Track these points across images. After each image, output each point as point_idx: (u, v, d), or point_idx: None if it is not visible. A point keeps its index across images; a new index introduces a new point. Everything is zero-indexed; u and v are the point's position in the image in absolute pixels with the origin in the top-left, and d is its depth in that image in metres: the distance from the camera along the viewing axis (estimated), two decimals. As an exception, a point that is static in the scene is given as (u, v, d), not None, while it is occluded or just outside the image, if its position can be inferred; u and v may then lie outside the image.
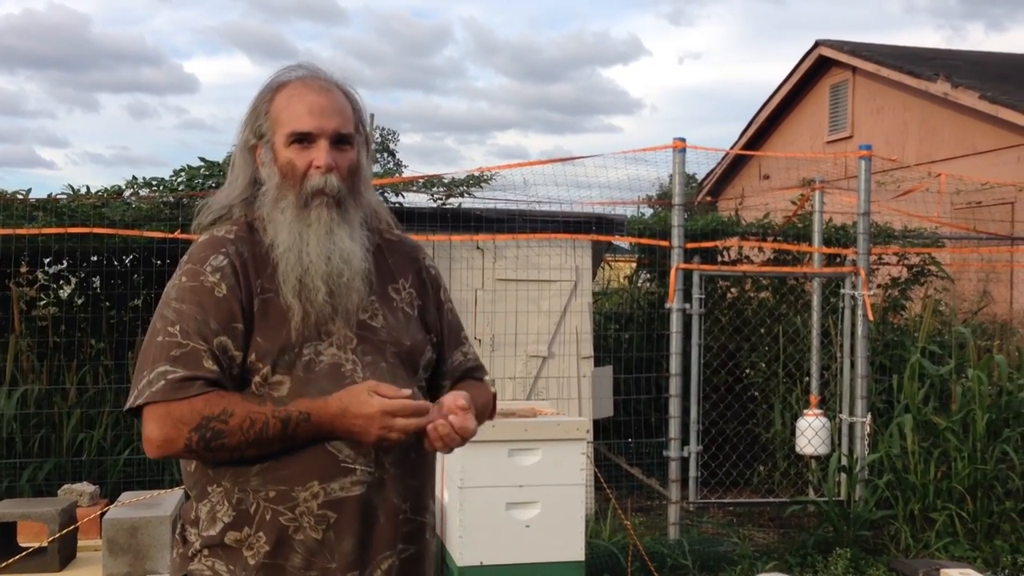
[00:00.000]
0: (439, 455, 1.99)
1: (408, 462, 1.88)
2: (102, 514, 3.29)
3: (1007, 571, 5.18)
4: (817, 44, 14.62)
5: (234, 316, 1.77)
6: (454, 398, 1.81)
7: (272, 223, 1.85)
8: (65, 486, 3.80)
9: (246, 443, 1.71)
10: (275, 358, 1.78)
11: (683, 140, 5.89)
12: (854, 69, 14.02)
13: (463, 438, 1.80)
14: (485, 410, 2.05)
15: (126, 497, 3.40)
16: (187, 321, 1.75)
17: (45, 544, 3.09)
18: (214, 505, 1.79)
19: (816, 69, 14.89)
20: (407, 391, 1.76)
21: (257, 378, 1.78)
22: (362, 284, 1.87)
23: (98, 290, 6.27)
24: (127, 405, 1.76)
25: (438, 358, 2.04)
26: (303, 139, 1.85)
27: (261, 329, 1.79)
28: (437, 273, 2.09)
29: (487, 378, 2.17)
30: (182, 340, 1.74)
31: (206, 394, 1.71)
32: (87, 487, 3.75)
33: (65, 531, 3.14)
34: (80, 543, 3.35)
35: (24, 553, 3.07)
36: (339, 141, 1.87)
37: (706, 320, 6.52)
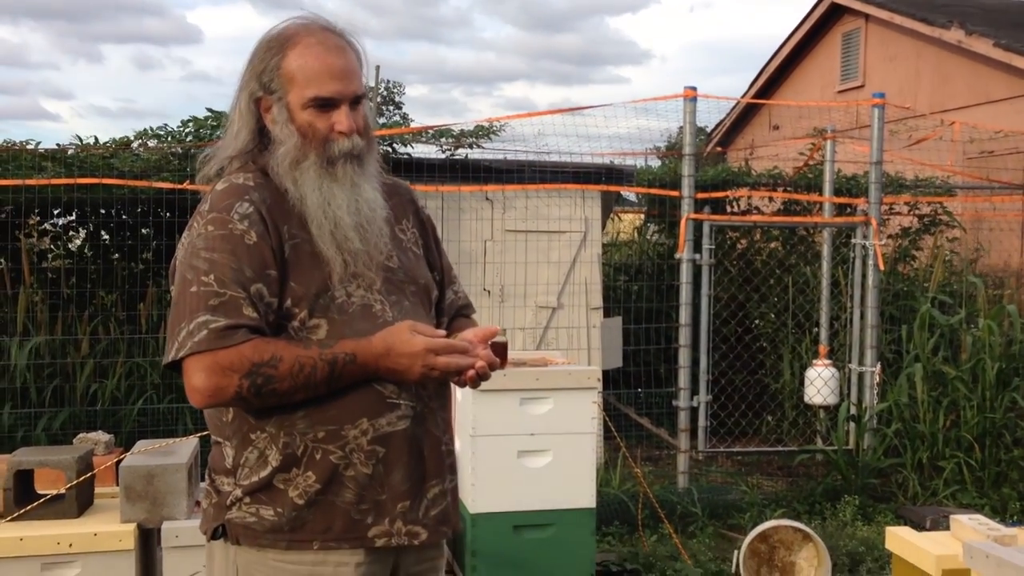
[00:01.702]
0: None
1: (441, 395, 1.95)
2: (118, 462, 3.32)
3: (1015, 518, 5.22)
4: (829, -9, 14.39)
5: (266, 263, 1.78)
6: (481, 334, 1.87)
7: (292, 182, 1.85)
8: (80, 435, 3.82)
9: (295, 387, 1.73)
10: (311, 302, 1.80)
11: (694, 89, 5.83)
12: (867, 16, 13.81)
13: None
14: None
15: (141, 445, 3.43)
16: (221, 270, 1.75)
17: (63, 491, 3.13)
18: (262, 451, 1.81)
19: (828, 17, 14.67)
20: (443, 331, 1.83)
21: (295, 323, 1.79)
22: (386, 227, 1.92)
23: (108, 242, 6.27)
24: (169, 358, 1.75)
25: (438, 295, 2.09)
26: (325, 104, 1.84)
27: (295, 274, 1.80)
28: (428, 214, 2.15)
29: (503, 328, 2.20)
30: (219, 289, 1.73)
31: (252, 340, 1.72)
32: (102, 436, 3.77)
33: (82, 479, 3.17)
34: (97, 490, 3.38)
35: (42, 500, 3.10)
36: (355, 101, 1.88)
37: (716, 271, 6.51)
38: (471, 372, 1.81)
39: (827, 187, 6.70)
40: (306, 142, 1.85)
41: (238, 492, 1.83)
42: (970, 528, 2.69)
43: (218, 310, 1.72)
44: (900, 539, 2.81)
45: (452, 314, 2.11)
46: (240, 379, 1.70)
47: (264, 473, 1.81)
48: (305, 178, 1.84)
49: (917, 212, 7.79)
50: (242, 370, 1.70)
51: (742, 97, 15.17)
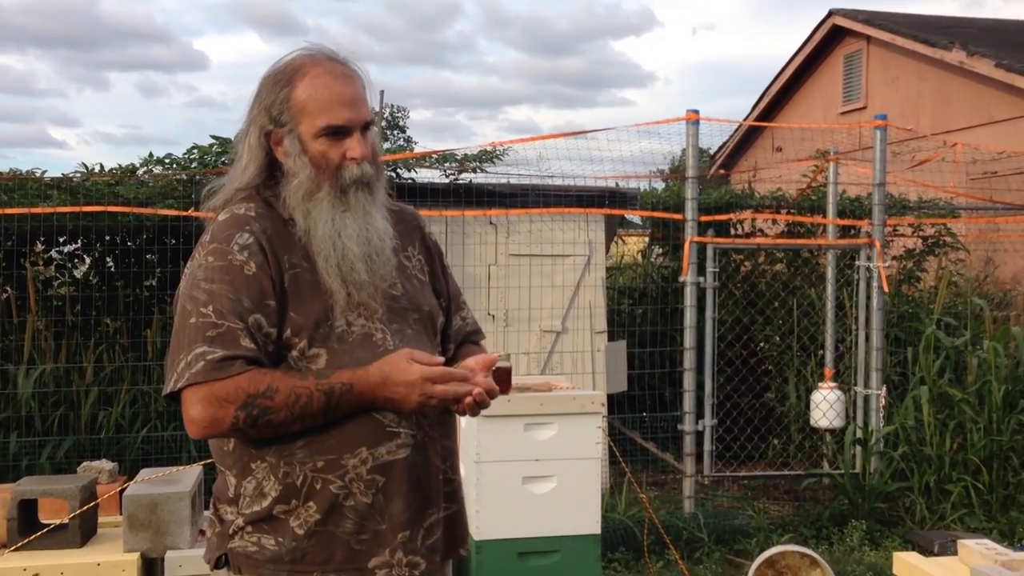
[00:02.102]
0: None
1: (443, 423, 1.95)
2: (122, 491, 3.32)
3: (1023, 542, 5.18)
4: (831, 13, 14.46)
5: (265, 293, 1.79)
6: (482, 361, 1.87)
7: (304, 214, 1.85)
8: (84, 463, 3.81)
9: (292, 418, 1.73)
10: (311, 332, 1.80)
11: (696, 112, 5.85)
12: (868, 38, 13.86)
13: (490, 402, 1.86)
14: None
15: (145, 474, 3.42)
16: (220, 301, 1.76)
17: (66, 521, 3.12)
18: (260, 481, 1.81)
19: (830, 39, 14.74)
20: (441, 359, 1.81)
21: (294, 352, 1.80)
22: (393, 256, 1.93)
23: (112, 269, 6.29)
24: (167, 390, 1.77)
25: (447, 321, 2.09)
26: (337, 132, 1.85)
27: (295, 304, 1.81)
28: (436, 240, 2.15)
29: (507, 353, 2.20)
30: (217, 320, 1.74)
31: (248, 372, 1.72)
32: (106, 464, 3.77)
33: (86, 507, 3.16)
34: (100, 519, 3.37)
35: (46, 529, 3.09)
36: (365, 128, 1.89)
37: (720, 293, 6.50)
38: (468, 400, 1.81)
39: (830, 209, 6.70)
40: (319, 172, 1.85)
41: (240, 521, 1.83)
42: (978, 553, 2.67)
43: (215, 341, 1.73)
44: (907, 564, 2.79)
45: (460, 340, 2.11)
46: (236, 410, 1.71)
47: (265, 503, 1.81)
48: (319, 209, 1.84)
49: (921, 234, 7.78)
50: (238, 401, 1.71)
51: (744, 120, 15.22)
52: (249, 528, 1.82)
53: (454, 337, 2.10)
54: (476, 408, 1.84)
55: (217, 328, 1.74)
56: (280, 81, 1.89)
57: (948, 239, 7.82)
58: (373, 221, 1.88)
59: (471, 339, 2.14)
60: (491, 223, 6.27)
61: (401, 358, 1.77)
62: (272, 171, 1.92)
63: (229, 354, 1.72)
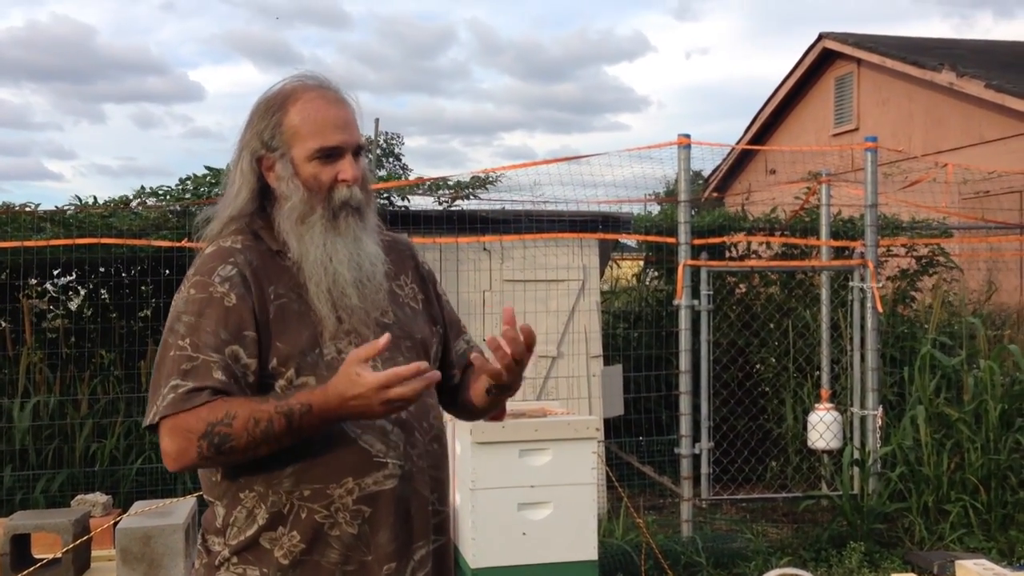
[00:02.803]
0: (450, 453, 2.01)
1: (433, 454, 1.92)
2: (115, 524, 3.30)
3: (1022, 561, 5.16)
4: (821, 37, 14.58)
5: (244, 324, 1.79)
6: (508, 319, 1.83)
7: (297, 238, 1.86)
8: (78, 496, 3.81)
9: (255, 442, 1.71)
10: (298, 360, 1.80)
11: (688, 136, 5.88)
12: (859, 61, 13.97)
13: (527, 347, 1.82)
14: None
15: (139, 506, 3.41)
16: (197, 334, 1.77)
17: (59, 555, 3.10)
18: (251, 510, 1.80)
19: (821, 62, 14.85)
20: (384, 338, 1.70)
21: (282, 381, 1.79)
22: (385, 283, 1.93)
23: (107, 300, 6.29)
24: (145, 422, 1.79)
25: (444, 349, 2.08)
26: (330, 154, 1.87)
27: (279, 334, 1.81)
28: (430, 268, 2.15)
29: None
30: (192, 353, 1.75)
31: (211, 402, 1.72)
32: (100, 497, 3.76)
33: (79, 541, 3.15)
34: (94, 553, 3.36)
35: (39, 564, 3.08)
36: (356, 152, 1.91)
37: (715, 316, 6.51)
38: (503, 362, 1.80)
39: (823, 230, 6.72)
40: (312, 195, 1.86)
41: (226, 552, 1.82)
42: (976, 573, 2.67)
43: (188, 375, 1.74)
44: (904, 587, 2.78)
45: (464, 364, 2.10)
46: (199, 440, 1.70)
47: (251, 532, 1.80)
48: (312, 233, 1.85)
49: (915, 254, 7.81)
50: (199, 431, 1.70)
51: (737, 143, 15.31)
52: (235, 559, 1.81)
53: (457, 363, 2.10)
54: (513, 371, 1.83)
55: (192, 361, 1.75)
56: (272, 107, 1.90)
57: (941, 259, 7.85)
58: (364, 247, 1.89)
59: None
60: (485, 249, 6.29)
61: (349, 371, 1.69)
62: (263, 200, 1.92)
63: (197, 386, 1.73)
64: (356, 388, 1.68)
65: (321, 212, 1.86)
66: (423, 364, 1.70)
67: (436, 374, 1.72)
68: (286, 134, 1.87)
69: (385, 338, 1.70)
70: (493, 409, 2.09)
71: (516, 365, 1.85)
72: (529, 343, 1.84)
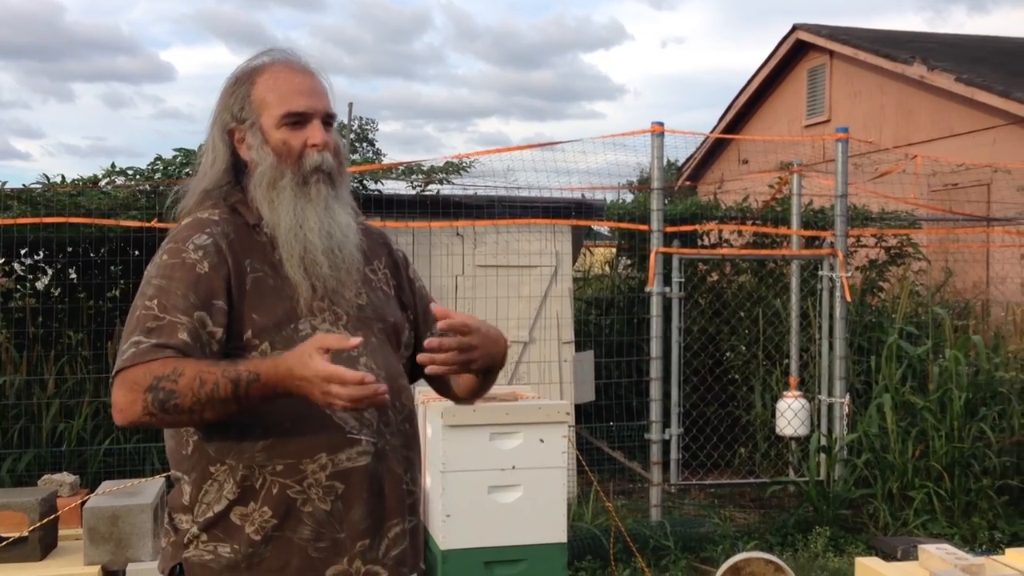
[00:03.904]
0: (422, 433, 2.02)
1: (404, 434, 1.92)
2: (83, 503, 3.28)
3: (984, 547, 5.25)
4: (795, 28, 14.65)
5: (214, 293, 1.78)
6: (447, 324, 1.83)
7: (268, 204, 1.86)
8: (45, 476, 3.77)
9: (199, 403, 1.68)
10: (272, 334, 1.80)
11: (661, 124, 5.90)
12: (831, 53, 14.06)
13: (472, 346, 1.84)
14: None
15: (106, 486, 3.39)
16: (165, 295, 1.77)
17: (26, 534, 3.08)
18: (221, 484, 1.79)
19: (794, 53, 14.93)
20: (356, 340, 1.69)
21: (255, 354, 1.78)
22: (360, 258, 1.92)
23: (75, 280, 6.23)
24: (110, 379, 1.78)
25: (416, 335, 2.08)
26: (298, 119, 1.88)
27: (256, 306, 1.81)
28: (404, 255, 2.15)
29: None
30: (159, 313, 1.75)
31: (163, 359, 1.70)
32: (67, 477, 3.73)
33: (46, 520, 3.12)
34: (61, 532, 3.33)
35: (4, 543, 3.05)
36: (327, 121, 1.92)
37: (686, 304, 6.55)
38: (437, 365, 1.81)
39: (794, 220, 6.78)
40: (281, 161, 1.87)
41: (195, 529, 1.81)
42: (938, 558, 2.71)
43: (152, 332, 1.73)
44: (869, 570, 2.82)
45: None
46: (144, 392, 1.68)
47: (220, 507, 1.79)
48: (282, 199, 1.85)
49: (884, 244, 7.89)
50: (145, 384, 1.68)
51: (710, 132, 15.36)
52: (204, 536, 1.80)
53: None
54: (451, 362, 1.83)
55: (158, 320, 1.75)
56: (240, 80, 1.92)
57: (910, 250, 7.94)
58: (335, 215, 1.88)
59: None
60: (458, 234, 6.28)
61: (306, 350, 1.67)
62: (238, 174, 1.93)
63: (160, 342, 1.72)
64: (303, 370, 1.66)
65: (291, 177, 1.86)
66: (369, 376, 1.65)
67: (382, 388, 1.66)
68: (254, 104, 1.89)
69: (356, 341, 1.69)
70: (483, 390, 2.15)
71: (469, 350, 1.84)
72: (460, 330, 1.82)
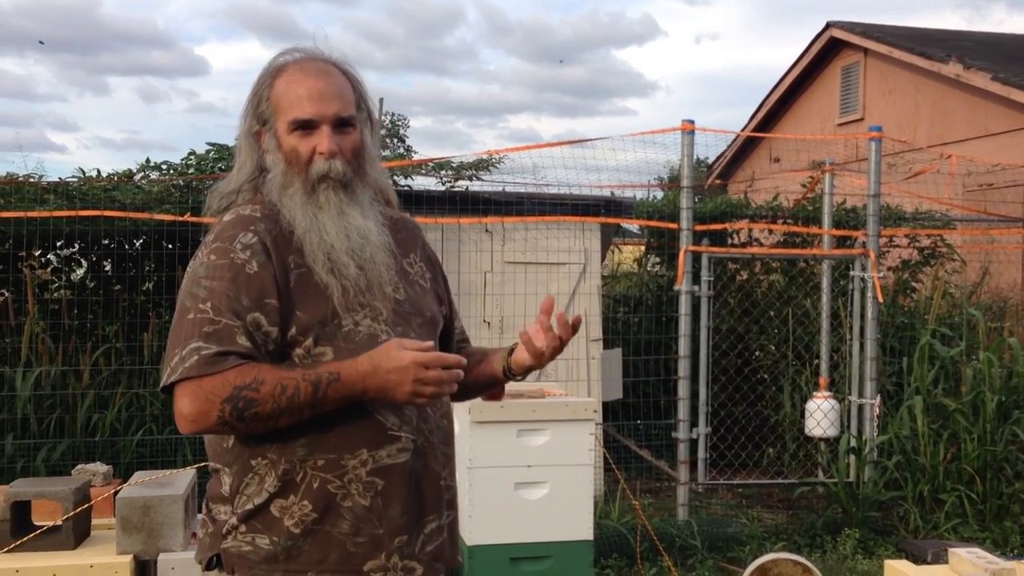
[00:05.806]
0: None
1: (443, 430, 1.95)
2: (115, 493, 3.32)
3: (1016, 552, 5.19)
4: (828, 26, 14.52)
5: (266, 292, 1.78)
6: (546, 310, 1.99)
7: (284, 208, 1.87)
8: (79, 466, 3.81)
9: (279, 410, 1.71)
10: (317, 331, 1.80)
11: (692, 122, 5.88)
12: (865, 51, 13.92)
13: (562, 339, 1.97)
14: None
15: (139, 476, 3.43)
16: (218, 298, 1.76)
17: (59, 523, 3.12)
18: (263, 477, 1.80)
19: (827, 51, 14.80)
20: (429, 344, 1.77)
21: (299, 351, 1.79)
22: (387, 256, 1.92)
23: (109, 273, 6.30)
24: (161, 384, 1.77)
25: (446, 328, 2.11)
26: (305, 126, 1.86)
27: (301, 303, 1.81)
28: (432, 248, 2.18)
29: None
30: (214, 317, 1.75)
31: (237, 367, 1.72)
32: (100, 467, 3.77)
33: (79, 509, 3.16)
34: (94, 521, 3.37)
35: (39, 531, 3.10)
36: (341, 124, 1.89)
37: (715, 302, 6.52)
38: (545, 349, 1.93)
39: (826, 219, 6.73)
40: (290, 168, 1.87)
41: (234, 520, 1.82)
42: (968, 561, 2.68)
43: (211, 337, 1.73)
44: (898, 573, 2.80)
45: (457, 349, 2.14)
46: (222, 403, 1.70)
47: (260, 500, 1.80)
48: (292, 204, 1.86)
49: (917, 244, 7.81)
50: (223, 394, 1.70)
51: (741, 130, 15.27)
52: (243, 528, 1.81)
53: (454, 343, 2.15)
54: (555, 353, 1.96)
55: (214, 324, 1.74)
56: (264, 81, 1.93)
57: (944, 250, 7.85)
58: (350, 220, 1.87)
59: (460, 346, 2.18)
60: (487, 231, 6.29)
61: (391, 346, 1.74)
62: (267, 170, 1.93)
63: (223, 350, 1.72)
64: (395, 362, 1.71)
65: (299, 185, 1.87)
66: (463, 360, 1.80)
67: (460, 374, 1.78)
68: (272, 107, 1.89)
69: (429, 344, 1.77)
70: (486, 391, 2.17)
71: (560, 347, 1.97)
72: (576, 325, 1.98)
